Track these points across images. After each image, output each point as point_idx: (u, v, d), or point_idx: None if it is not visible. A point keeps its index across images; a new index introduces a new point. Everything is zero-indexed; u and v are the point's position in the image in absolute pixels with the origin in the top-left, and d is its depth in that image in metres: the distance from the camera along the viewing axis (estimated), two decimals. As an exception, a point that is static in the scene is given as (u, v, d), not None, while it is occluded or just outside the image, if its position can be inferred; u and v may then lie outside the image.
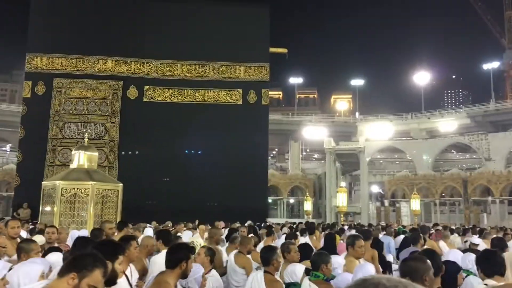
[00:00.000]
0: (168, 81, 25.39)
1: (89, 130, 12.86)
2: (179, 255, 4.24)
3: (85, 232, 9.49)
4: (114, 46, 24.83)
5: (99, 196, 12.18)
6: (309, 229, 12.04)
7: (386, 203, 55.20)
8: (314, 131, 60.05)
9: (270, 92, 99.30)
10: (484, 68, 62.42)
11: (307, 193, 38.12)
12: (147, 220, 17.82)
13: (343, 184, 68.29)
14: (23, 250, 4.96)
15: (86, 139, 13.03)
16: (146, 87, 25.09)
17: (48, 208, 12.09)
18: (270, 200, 56.21)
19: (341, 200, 25.53)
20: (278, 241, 9.29)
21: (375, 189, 64.66)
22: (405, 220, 46.53)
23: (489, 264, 4.20)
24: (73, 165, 12.54)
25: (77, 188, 11.96)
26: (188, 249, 4.50)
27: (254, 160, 25.07)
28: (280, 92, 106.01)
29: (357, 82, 73.93)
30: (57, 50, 24.70)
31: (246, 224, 18.76)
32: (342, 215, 25.88)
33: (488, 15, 71.07)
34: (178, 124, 24.79)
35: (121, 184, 13.04)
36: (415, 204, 27.13)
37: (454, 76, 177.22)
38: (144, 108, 24.88)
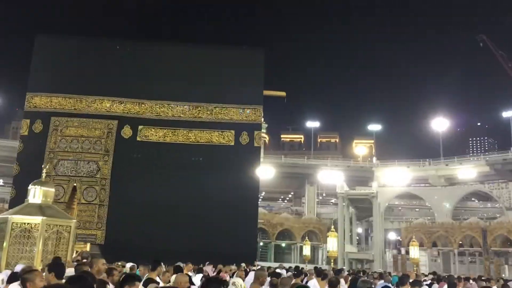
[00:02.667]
0: (162, 121, 25.83)
1: (47, 166, 13.02)
2: None
3: (19, 268, 9.52)
4: (111, 87, 25.62)
5: (49, 232, 12.20)
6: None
7: (403, 251, 53.45)
8: (330, 175, 59.50)
9: (291, 136, 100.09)
10: (503, 116, 61.21)
11: (306, 238, 37.18)
12: (133, 260, 17.62)
13: (359, 230, 66.90)
14: None
15: (43, 175, 13.20)
16: (140, 127, 25.56)
17: (-1, 243, 12.16)
18: (284, 245, 55.44)
19: (331, 244, 24.77)
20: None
21: (393, 236, 62.91)
22: (423, 270, 44.77)
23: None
24: (28, 200, 12.69)
25: (28, 223, 12.04)
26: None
27: (245, 202, 24.87)
28: (302, 136, 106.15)
29: (375, 127, 73.39)
30: (56, 90, 25.65)
31: (242, 265, 18.46)
32: (332, 261, 25.05)
33: (510, 62, 70.17)
34: (171, 164, 25.00)
35: (74, 221, 13.06)
36: (414, 252, 26.06)
37: (479, 124, 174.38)
38: (137, 147, 25.27)
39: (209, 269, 14.89)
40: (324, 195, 69.63)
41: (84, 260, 17.77)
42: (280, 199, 76.63)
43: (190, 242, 23.01)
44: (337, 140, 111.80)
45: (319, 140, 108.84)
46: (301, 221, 57.83)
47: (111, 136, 25.25)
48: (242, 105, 26.24)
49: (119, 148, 25.15)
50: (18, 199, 23.81)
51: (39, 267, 10.88)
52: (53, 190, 13.12)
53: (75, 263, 15.51)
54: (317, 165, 62.86)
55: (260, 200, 74.38)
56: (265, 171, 58.06)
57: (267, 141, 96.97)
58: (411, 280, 13.27)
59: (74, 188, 24.59)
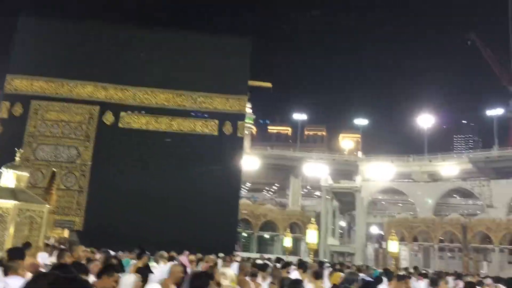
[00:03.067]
0: (145, 109, 25.53)
1: (21, 150, 12.70)
2: None
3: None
4: (94, 71, 25.21)
5: (21, 216, 11.97)
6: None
7: (384, 245, 53.95)
8: (315, 168, 59.68)
9: (278, 128, 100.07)
10: (487, 114, 61.84)
11: (288, 229, 37.24)
12: (111, 247, 17.45)
13: (342, 223, 67.30)
14: None
15: (17, 158, 12.92)
16: (122, 114, 25.24)
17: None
18: (267, 236, 55.60)
19: (311, 236, 24.84)
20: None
21: (375, 230, 63.40)
22: (404, 264, 45.25)
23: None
24: (0, 184, 12.43)
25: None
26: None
27: (227, 192, 24.76)
28: (289, 128, 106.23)
29: (361, 121, 73.64)
30: (38, 72, 25.17)
31: (219, 255, 18.38)
32: (311, 253, 25.12)
33: (498, 62, 70.79)
34: (153, 152, 24.78)
35: (47, 206, 12.81)
36: (393, 246, 26.25)
37: (464, 121, 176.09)
38: (119, 134, 24.96)
39: (185, 259, 14.76)
40: (309, 187, 69.82)
41: (62, 246, 17.64)
42: (264, 190, 76.72)
43: (170, 231, 22.85)
44: (324, 133, 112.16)
45: (306, 133, 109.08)
46: (284, 213, 57.99)
47: (92, 121, 24.92)
48: (227, 94, 26.03)
49: (100, 134, 24.83)
50: (-5, 182, 23.44)
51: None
52: (26, 174, 12.86)
53: (52, 248, 15.35)
54: (302, 157, 62.97)
55: (245, 191, 74.56)
56: (251, 162, 58.08)
57: (254, 132, 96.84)
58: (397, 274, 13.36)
59: (53, 173, 24.25)
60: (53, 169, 24.22)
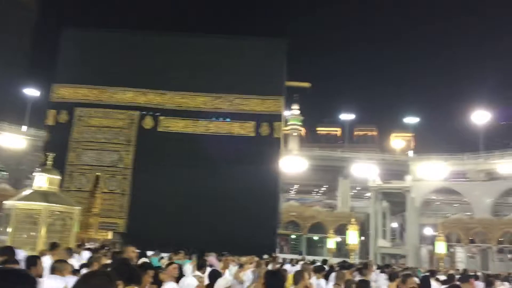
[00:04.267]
0: (183, 112, 25.98)
1: (52, 154, 13.10)
2: None
3: (21, 253, 9.87)
4: (134, 77, 25.96)
5: (52, 218, 12.46)
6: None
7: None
8: (364, 169, 58.45)
9: (327, 129, 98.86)
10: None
11: (331, 231, 36.62)
12: (153, 249, 17.90)
13: (394, 224, 65.50)
14: None
15: (49, 161, 13.46)
16: (161, 117, 25.80)
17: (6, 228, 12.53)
18: (316, 238, 55.08)
19: (351, 237, 24.27)
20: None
21: (429, 231, 61.23)
22: (460, 266, 43.41)
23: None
24: (33, 187, 13.00)
25: (31, 209, 12.34)
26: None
27: (265, 193, 24.69)
28: (338, 129, 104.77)
29: (412, 120, 71.34)
30: (82, 81, 26.23)
31: (264, 257, 18.39)
32: (351, 254, 24.51)
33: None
34: (191, 154, 25.09)
35: (77, 208, 13.26)
36: (440, 247, 25.22)
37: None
38: (158, 138, 25.51)
39: (214, 260, 14.83)
40: (358, 188, 68.51)
41: (106, 248, 18.28)
42: (314, 192, 76.02)
43: (210, 232, 23.05)
44: (375, 133, 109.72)
45: (356, 133, 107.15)
46: (333, 215, 57.17)
47: (133, 126, 25.65)
48: (263, 95, 26.03)
49: (140, 138, 25.50)
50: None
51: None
52: (58, 177, 13.37)
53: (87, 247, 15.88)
54: (351, 158, 61.87)
55: (293, 193, 74.23)
56: (298, 163, 57.75)
57: (302, 134, 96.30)
58: (442, 278, 12.82)
59: (97, 178, 25.12)
60: (97, 173, 25.08)
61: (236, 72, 25.98)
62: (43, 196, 12.61)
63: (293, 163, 58.89)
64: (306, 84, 29.04)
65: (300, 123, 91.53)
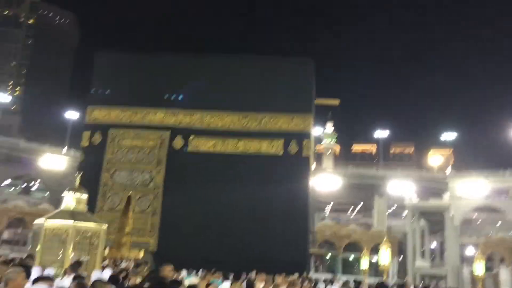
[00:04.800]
0: (212, 132, 26.30)
1: (80, 173, 13.58)
2: None
3: (49, 271, 10.28)
4: (164, 98, 26.54)
5: (79, 237, 12.76)
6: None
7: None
8: (400, 187, 57.15)
9: (362, 146, 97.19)
10: None
11: (364, 251, 35.73)
12: (183, 267, 18.11)
13: (434, 244, 63.52)
14: None
15: (77, 181, 13.85)
16: (190, 137, 26.21)
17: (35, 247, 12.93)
18: (351, 257, 54.09)
19: (383, 257, 23.69)
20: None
21: (471, 251, 59.01)
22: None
23: None
24: (62, 207, 13.38)
25: (59, 228, 12.68)
26: None
27: (295, 212, 24.58)
28: (374, 146, 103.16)
29: (450, 135, 69.56)
30: (114, 102, 27.05)
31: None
32: (384, 274, 23.89)
33: None
34: (220, 173, 25.34)
35: (104, 226, 13.52)
36: (479, 268, 24.28)
37: None
38: (188, 157, 25.89)
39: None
40: (395, 207, 66.94)
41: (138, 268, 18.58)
42: (349, 211, 74.79)
43: (239, 252, 23.09)
44: (412, 150, 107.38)
45: (392, 150, 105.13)
46: (369, 234, 56.00)
47: (163, 146, 26.15)
48: (291, 113, 26.10)
49: (170, 158, 25.94)
50: (79, 207, 25.23)
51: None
52: (85, 196, 13.72)
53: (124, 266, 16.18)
54: (386, 175, 60.69)
55: (328, 212, 73.27)
56: (333, 182, 57.10)
57: (337, 152, 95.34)
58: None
59: (129, 197, 25.63)
60: (129, 193, 25.60)
61: (264, 91, 26.23)
62: (71, 215, 12.96)
63: (327, 182, 58.29)
64: (335, 101, 29.02)
65: (334, 141, 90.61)
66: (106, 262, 22.09)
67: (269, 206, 24.27)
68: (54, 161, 51.75)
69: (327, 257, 56.32)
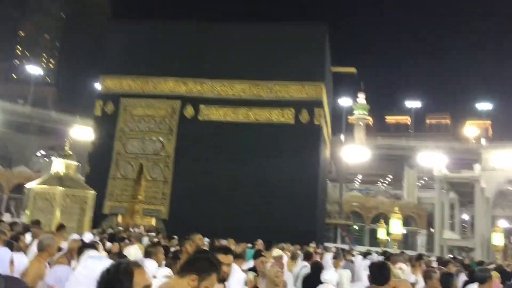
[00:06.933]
0: (223, 100, 26.08)
1: (69, 140, 13.63)
2: None
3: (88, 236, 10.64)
4: (175, 67, 26.39)
5: (67, 201, 12.97)
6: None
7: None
8: (431, 158, 55.67)
9: (396, 117, 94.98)
10: None
11: (381, 220, 35.09)
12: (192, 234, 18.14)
13: (466, 216, 62.03)
14: None
15: (67, 147, 14.00)
16: (201, 106, 26.07)
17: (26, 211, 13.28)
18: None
19: (394, 227, 23.15)
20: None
21: (504, 224, 57.33)
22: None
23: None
24: (51, 172, 13.60)
25: (48, 193, 12.93)
26: None
27: (304, 181, 24.23)
28: (408, 117, 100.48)
29: (486, 106, 66.85)
30: (126, 71, 27.10)
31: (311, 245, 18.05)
32: (395, 244, 23.39)
33: None
34: (231, 142, 25.21)
35: (92, 192, 13.68)
36: (496, 238, 23.44)
37: None
38: (199, 126, 25.80)
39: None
40: (426, 179, 65.56)
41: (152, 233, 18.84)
42: (379, 183, 73.81)
43: (250, 221, 23.02)
44: (448, 121, 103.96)
45: (428, 121, 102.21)
46: (397, 205, 55.07)
47: (174, 115, 26.15)
48: (302, 82, 25.48)
49: (182, 127, 25.94)
50: (93, 175, 25.84)
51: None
52: (75, 163, 13.89)
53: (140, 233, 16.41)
54: (417, 146, 59.23)
55: (357, 183, 72.55)
56: (361, 153, 56.27)
57: (370, 123, 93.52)
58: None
59: (141, 166, 25.92)
60: (141, 161, 25.88)
61: (275, 59, 25.64)
62: (59, 180, 13.16)
63: (356, 153, 57.51)
64: (352, 70, 28.02)
65: (366, 112, 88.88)
66: (120, 228, 22.60)
67: (280, 175, 24.02)
68: (84, 131, 52.94)
69: (354, 228, 56.08)
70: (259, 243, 16.41)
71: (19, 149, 56.99)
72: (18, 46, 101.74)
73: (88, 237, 12.04)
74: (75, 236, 12.10)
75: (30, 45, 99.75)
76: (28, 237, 9.38)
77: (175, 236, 16.61)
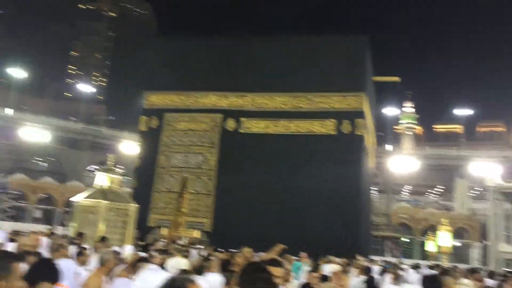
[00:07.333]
0: (263, 113, 26.23)
1: (113, 155, 14.13)
2: None
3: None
4: (216, 81, 26.86)
5: (110, 214, 13.39)
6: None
7: None
8: (484, 168, 53.60)
9: (446, 126, 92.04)
10: None
11: (428, 233, 34.05)
12: (235, 247, 18.39)
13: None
14: None
15: (109, 162, 14.48)
16: (242, 119, 26.34)
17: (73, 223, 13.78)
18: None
19: (443, 239, 22.35)
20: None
21: None
22: None
23: None
24: (95, 186, 14.09)
25: (92, 206, 13.40)
26: None
27: (347, 192, 23.90)
28: (458, 126, 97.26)
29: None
30: (169, 87, 27.82)
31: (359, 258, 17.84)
32: (444, 257, 22.57)
33: None
34: (272, 154, 25.27)
35: (134, 205, 14.04)
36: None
37: None
38: (240, 139, 26.04)
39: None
40: (479, 189, 63.00)
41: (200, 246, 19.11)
42: (428, 194, 71.62)
43: (292, 232, 22.89)
44: (503, 129, 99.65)
45: (479, 129, 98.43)
46: (448, 217, 53.19)
47: (216, 129, 26.53)
48: (343, 92, 25.29)
49: (224, 140, 26.27)
50: (139, 188, 26.54)
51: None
52: (118, 177, 14.34)
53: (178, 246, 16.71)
54: (468, 156, 57.22)
55: (406, 194, 70.67)
56: (409, 163, 54.93)
57: (418, 132, 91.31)
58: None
59: (184, 179, 26.38)
60: (184, 175, 26.35)
61: (315, 70, 25.63)
62: (103, 194, 13.62)
63: (404, 163, 56.21)
64: (395, 79, 27.55)
65: (414, 121, 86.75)
66: (165, 241, 23.02)
67: (322, 186, 23.80)
68: (132, 146, 54.49)
69: (403, 241, 54.60)
70: (303, 256, 16.37)
71: (72, 165, 59.35)
72: (70, 66, 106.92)
73: (128, 249, 12.39)
74: (116, 248, 12.50)
75: (81, 65, 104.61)
76: (72, 248, 9.74)
77: (221, 250, 16.75)
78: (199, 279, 5.77)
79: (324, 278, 6.28)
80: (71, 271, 4.68)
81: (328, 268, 8.93)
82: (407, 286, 6.36)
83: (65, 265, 4.78)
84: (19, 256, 5.51)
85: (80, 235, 11.14)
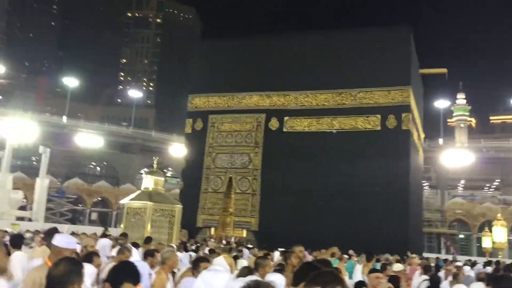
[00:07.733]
0: (306, 111, 26.12)
1: (157, 158, 14.40)
2: None
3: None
4: (258, 81, 26.99)
5: (156, 215, 13.77)
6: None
7: None
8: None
9: (502, 117, 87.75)
10: None
11: (486, 229, 32.62)
12: (283, 245, 18.54)
13: None
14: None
15: (155, 165, 14.88)
16: (286, 118, 26.34)
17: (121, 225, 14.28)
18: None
19: (498, 234, 21.42)
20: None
21: None
22: None
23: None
24: (142, 188, 14.53)
25: (138, 208, 13.83)
26: None
27: (395, 188, 23.37)
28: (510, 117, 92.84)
29: None
30: (212, 90, 28.25)
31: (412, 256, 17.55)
32: (500, 253, 21.60)
33: None
34: (316, 152, 25.12)
35: (179, 206, 14.33)
36: None
37: None
38: (284, 138, 26.06)
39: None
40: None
41: (234, 245, 19.35)
42: (485, 188, 68.75)
43: (338, 230, 22.66)
44: None
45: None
46: (507, 212, 51.06)
47: (260, 128, 26.67)
48: (387, 87, 24.75)
49: (267, 139, 26.37)
50: (186, 190, 27.12)
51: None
52: (162, 178, 14.71)
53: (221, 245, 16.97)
54: (524, 147, 54.65)
55: (461, 189, 68.20)
56: (464, 157, 53.07)
57: (472, 124, 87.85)
58: None
59: (230, 179, 26.71)
60: (230, 175, 26.68)
61: (358, 66, 25.26)
62: (148, 195, 14.03)
63: (458, 157, 54.32)
64: (442, 70, 26.68)
65: (467, 113, 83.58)
66: (213, 240, 23.39)
67: (369, 183, 23.41)
68: (180, 148, 55.69)
69: (459, 238, 52.91)
70: (351, 253, 16.18)
71: (124, 168, 61.34)
72: (121, 73, 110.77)
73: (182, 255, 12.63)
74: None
75: (131, 71, 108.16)
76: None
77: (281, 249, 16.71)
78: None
79: (393, 279, 5.88)
80: (145, 273, 4.91)
81: (395, 268, 8.61)
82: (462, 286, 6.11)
83: (140, 266, 5.01)
84: (88, 258, 5.83)
85: (124, 235, 11.54)
